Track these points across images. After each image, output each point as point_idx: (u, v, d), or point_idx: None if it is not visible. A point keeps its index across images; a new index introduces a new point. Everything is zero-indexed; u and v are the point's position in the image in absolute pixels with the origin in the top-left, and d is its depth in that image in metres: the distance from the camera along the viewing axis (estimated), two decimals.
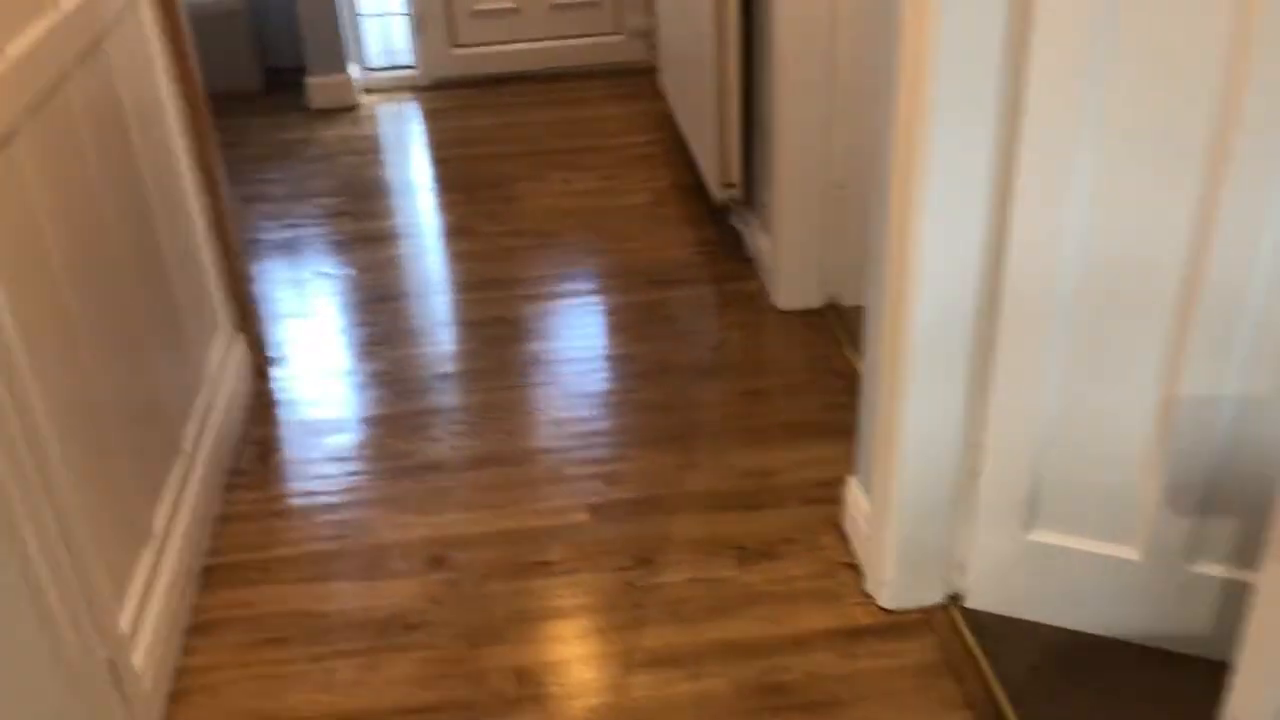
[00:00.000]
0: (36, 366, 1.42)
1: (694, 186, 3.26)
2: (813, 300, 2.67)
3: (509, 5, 4.13)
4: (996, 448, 1.68)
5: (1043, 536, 1.72)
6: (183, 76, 2.20)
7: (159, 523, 1.84)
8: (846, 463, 2.13)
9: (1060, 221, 1.49)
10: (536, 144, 3.69)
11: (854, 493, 1.95)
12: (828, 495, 2.07)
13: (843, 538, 1.98)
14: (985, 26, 1.41)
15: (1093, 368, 1.58)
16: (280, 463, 2.26)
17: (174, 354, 2.05)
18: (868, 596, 1.86)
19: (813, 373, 2.44)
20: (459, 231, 3.16)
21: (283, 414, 2.41)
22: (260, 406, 2.44)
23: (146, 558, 1.76)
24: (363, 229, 3.20)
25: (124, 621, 1.63)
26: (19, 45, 1.49)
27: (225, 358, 2.35)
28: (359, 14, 4.12)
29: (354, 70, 4.07)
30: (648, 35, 4.19)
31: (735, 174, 2.86)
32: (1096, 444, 1.63)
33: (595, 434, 2.28)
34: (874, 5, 2.32)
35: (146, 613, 1.71)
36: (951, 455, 1.71)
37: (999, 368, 1.62)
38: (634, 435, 2.27)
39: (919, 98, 1.47)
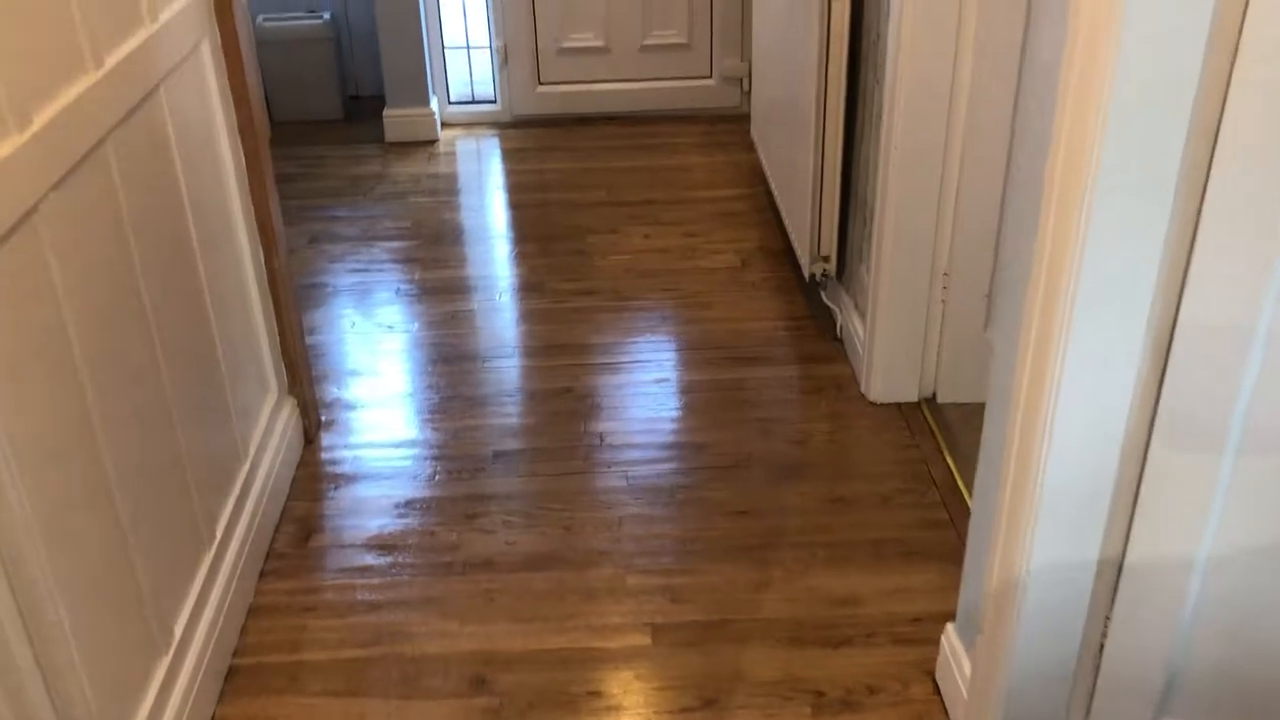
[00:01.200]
0: (28, 463, 1.25)
1: (784, 251, 3.04)
2: (909, 394, 2.44)
3: (597, 44, 3.95)
4: (1127, 621, 1.44)
5: None
6: (243, 120, 2.04)
7: (179, 628, 1.67)
8: (942, 596, 1.90)
9: (1241, 360, 1.25)
10: (617, 193, 3.50)
11: (952, 642, 1.71)
12: (920, 635, 1.84)
13: (935, 690, 1.75)
14: (1173, 89, 1.16)
15: (1258, 539, 1.33)
16: (320, 547, 2.08)
17: (213, 426, 1.89)
18: None
19: (907, 480, 2.21)
20: (530, 287, 2.98)
21: (328, 488, 2.24)
22: (305, 478, 2.27)
23: (160, 671, 1.59)
24: (430, 278, 3.03)
25: None
26: (48, 112, 1.33)
27: (272, 424, 2.19)
28: (445, 46, 3.97)
29: (434, 104, 3.92)
30: (742, 81, 3.99)
31: (830, 246, 2.64)
32: (1255, 630, 1.38)
33: (661, 538, 2.07)
34: (1004, 69, 2.09)
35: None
36: (1073, 624, 1.47)
37: (1140, 534, 1.38)
38: (705, 543, 2.06)
39: (1075, 180, 1.22)
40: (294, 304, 2.31)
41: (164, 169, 1.71)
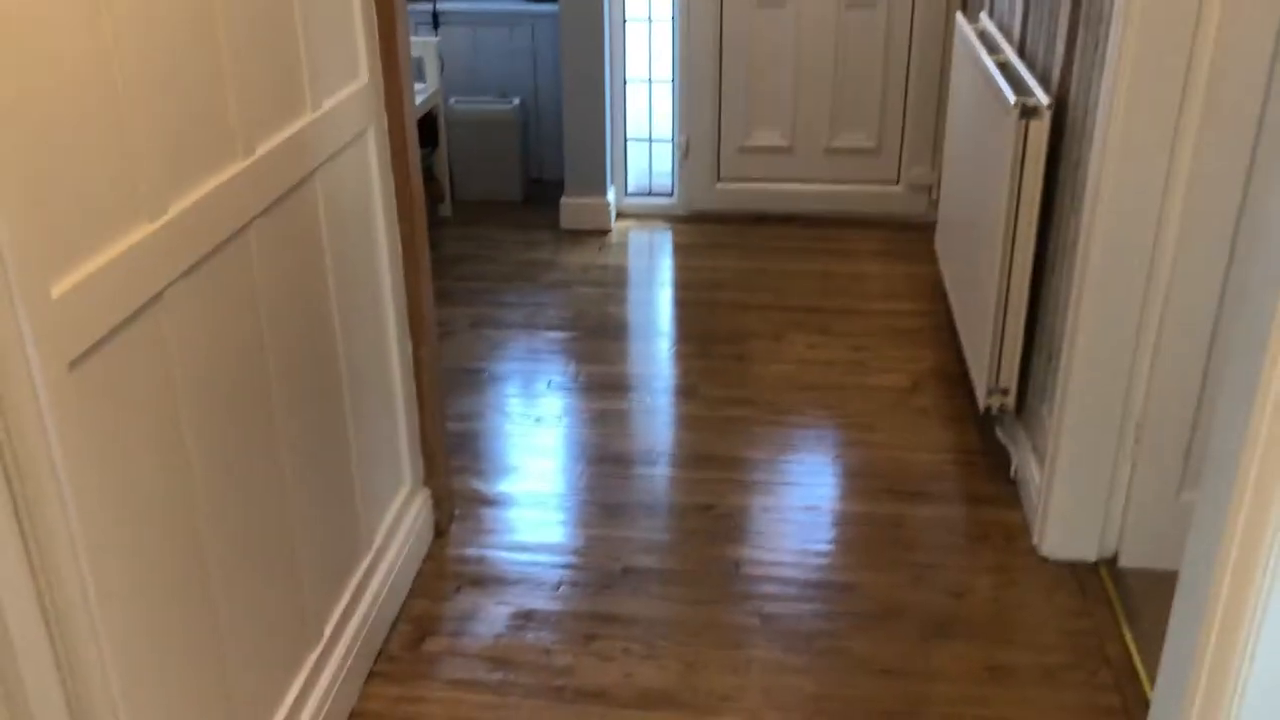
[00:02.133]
0: (117, 548, 1.20)
1: (960, 377, 2.83)
2: (1087, 552, 2.18)
3: (781, 143, 3.86)
4: None
5: None
6: (402, 208, 2.02)
7: None
8: None
9: None
10: (786, 296, 3.36)
11: None
12: None
13: None
14: None
15: None
16: (434, 652, 1.99)
17: (336, 518, 1.83)
18: None
19: (1076, 653, 1.96)
20: (684, 392, 2.87)
21: (451, 588, 2.15)
22: (430, 574, 2.19)
23: None
24: (585, 373, 2.96)
25: None
26: (188, 199, 1.31)
27: (402, 515, 2.13)
28: (628, 138, 3.96)
29: (611, 194, 3.90)
30: (930, 189, 3.81)
31: (1010, 379, 2.42)
32: None
33: (793, 691, 1.89)
34: (1220, 209, 1.87)
35: None
36: None
37: None
38: (841, 703, 1.86)
39: None
40: (439, 394, 2.26)
41: (310, 255, 1.69)
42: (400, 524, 2.13)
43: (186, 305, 1.32)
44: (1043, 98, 2.22)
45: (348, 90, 1.80)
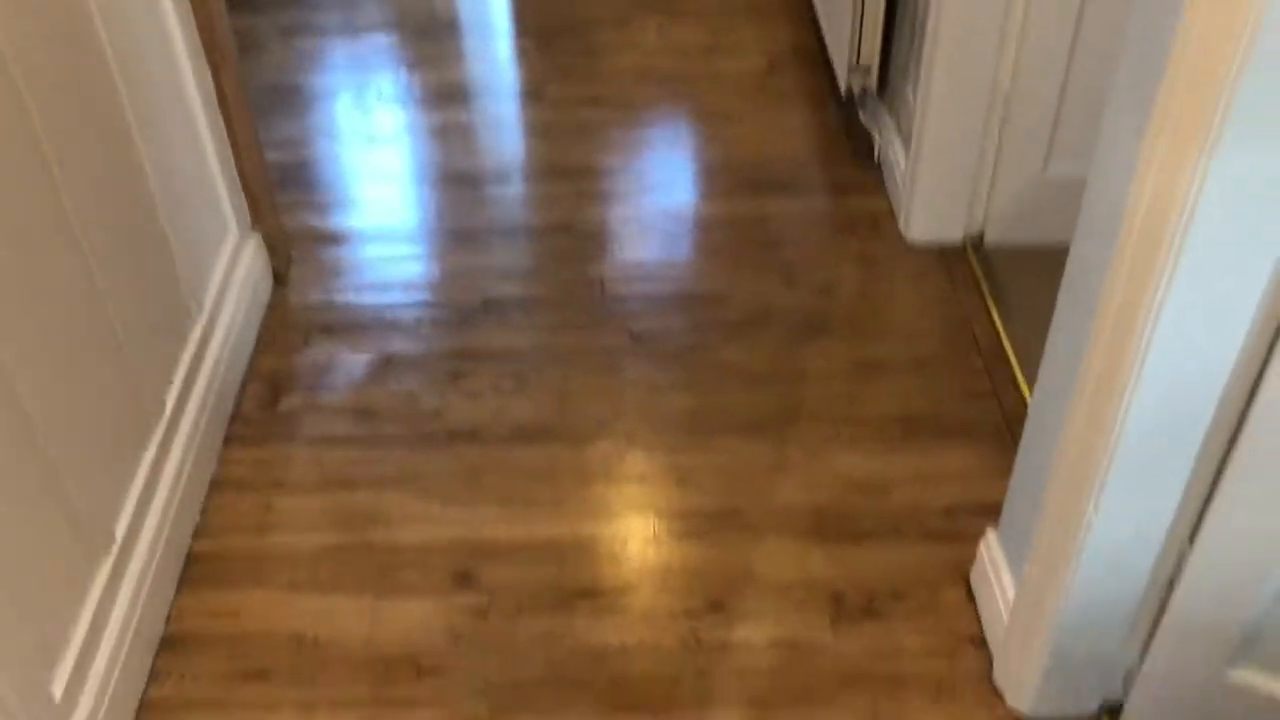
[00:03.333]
0: None
1: (818, 54, 2.68)
2: (953, 233, 2.15)
3: None
4: (1208, 558, 1.23)
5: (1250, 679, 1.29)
6: None
7: (121, 526, 1.48)
8: (981, 485, 1.70)
9: None
10: None
11: (993, 551, 1.51)
12: (955, 530, 1.64)
13: (970, 597, 1.56)
14: None
15: None
16: (291, 411, 1.88)
17: (154, 283, 1.64)
18: (997, 694, 1.46)
19: (947, 341, 1.96)
20: (528, 95, 2.65)
21: (300, 340, 2.01)
22: (276, 326, 2.04)
23: (100, 574, 1.42)
24: (418, 80, 2.69)
25: (58, 689, 1.29)
26: None
27: (233, 267, 1.95)
28: None
29: None
30: None
31: (872, 56, 2.28)
32: None
33: (668, 409, 1.85)
34: None
35: (93, 666, 1.37)
36: (1143, 559, 1.26)
37: (1240, 461, 1.14)
38: (716, 416, 1.84)
39: None
40: (251, 123, 2.01)
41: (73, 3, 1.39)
42: (232, 277, 1.95)
43: None
44: None
45: None
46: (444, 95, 2.65)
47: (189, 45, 1.78)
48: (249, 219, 2.03)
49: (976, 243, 2.15)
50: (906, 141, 2.17)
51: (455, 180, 2.38)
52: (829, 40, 2.50)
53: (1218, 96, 0.90)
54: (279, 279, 2.13)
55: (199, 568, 1.64)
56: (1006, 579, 1.46)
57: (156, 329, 1.65)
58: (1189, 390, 1.09)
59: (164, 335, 1.68)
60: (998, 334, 1.96)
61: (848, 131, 2.44)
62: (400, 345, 1.99)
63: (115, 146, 1.53)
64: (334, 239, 2.24)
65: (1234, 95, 0.89)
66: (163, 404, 1.65)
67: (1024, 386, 1.85)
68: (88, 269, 1.42)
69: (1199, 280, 1.01)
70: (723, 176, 2.36)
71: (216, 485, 1.75)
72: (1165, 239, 1.00)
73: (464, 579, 1.61)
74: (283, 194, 2.31)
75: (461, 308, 2.06)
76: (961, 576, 1.59)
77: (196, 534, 1.68)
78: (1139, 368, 1.08)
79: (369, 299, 2.09)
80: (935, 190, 2.10)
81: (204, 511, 1.71)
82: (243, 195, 2.00)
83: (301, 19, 2.94)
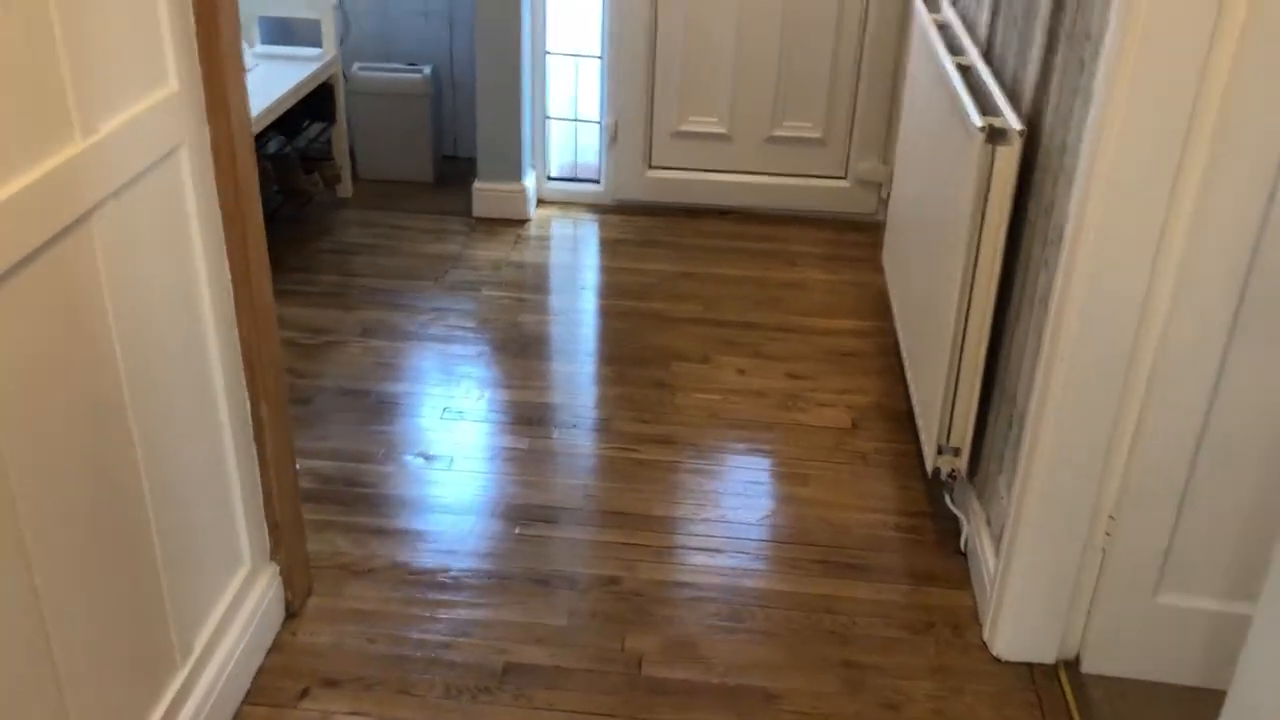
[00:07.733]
0: None
1: (906, 415, 2.52)
2: (1045, 653, 1.89)
3: (719, 130, 3.49)
4: None
5: None
6: (234, 234, 1.64)
7: None
8: None
9: None
10: (717, 308, 3.02)
11: None
12: None
13: None
14: None
15: None
16: None
17: (131, 621, 1.47)
18: None
19: None
20: (597, 427, 2.52)
21: (294, 691, 1.80)
22: (277, 669, 1.84)
23: None
24: (485, 400, 2.60)
25: None
26: None
27: (239, 602, 1.78)
28: (548, 116, 3.57)
29: (530, 179, 3.51)
30: (880, 187, 3.48)
31: (962, 440, 2.10)
32: None
33: None
34: (1212, 281, 1.55)
35: None
36: None
37: None
38: None
39: None
40: (288, 454, 1.89)
41: (82, 322, 1.31)
42: (237, 614, 1.77)
43: None
44: (1013, 120, 1.88)
45: (146, 103, 1.41)
46: (509, 417, 2.54)
47: (229, 377, 1.69)
48: (268, 548, 1.88)
49: (1072, 667, 1.87)
50: (997, 540, 1.95)
51: (501, 515, 2.22)
52: (917, 409, 2.34)
53: None
54: (291, 612, 1.95)
55: None
56: None
57: (119, 680, 1.46)
58: None
59: (128, 688, 1.48)
60: None
61: (933, 510, 2.23)
62: (405, 713, 1.76)
63: (122, 497, 1.40)
64: (360, 570, 2.06)
65: None
66: None
67: None
68: (44, 625, 1.26)
69: None
70: (790, 547, 2.16)
71: None
72: None
73: None
74: (317, 509, 2.18)
75: (479, 672, 1.84)
76: None
77: None
78: None
79: (382, 649, 1.89)
80: (1027, 601, 1.86)
81: None
82: (264, 523, 1.86)
83: (385, 320, 2.91)
